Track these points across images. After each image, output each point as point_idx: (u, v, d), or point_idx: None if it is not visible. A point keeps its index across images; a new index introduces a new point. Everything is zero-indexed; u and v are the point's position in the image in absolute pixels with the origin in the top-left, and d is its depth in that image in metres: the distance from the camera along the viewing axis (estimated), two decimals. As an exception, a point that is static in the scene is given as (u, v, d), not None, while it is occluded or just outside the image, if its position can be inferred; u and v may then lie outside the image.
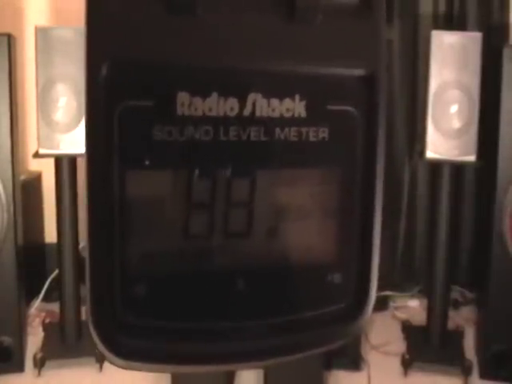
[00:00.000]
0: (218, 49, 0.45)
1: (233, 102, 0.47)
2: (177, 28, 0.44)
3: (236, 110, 0.47)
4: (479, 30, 2.38)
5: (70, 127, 1.98)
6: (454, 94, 2.00)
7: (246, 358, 0.48)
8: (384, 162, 0.51)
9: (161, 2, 0.44)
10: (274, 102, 0.47)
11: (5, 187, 1.96)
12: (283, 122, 0.48)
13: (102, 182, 0.45)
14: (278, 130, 0.48)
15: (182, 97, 0.45)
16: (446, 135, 2.01)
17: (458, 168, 2.17)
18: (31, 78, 2.09)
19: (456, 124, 2.01)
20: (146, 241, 0.46)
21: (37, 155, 1.98)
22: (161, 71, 0.45)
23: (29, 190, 2.44)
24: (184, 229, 0.48)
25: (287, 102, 0.48)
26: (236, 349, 0.48)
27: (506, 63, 1.96)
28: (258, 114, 0.47)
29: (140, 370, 0.48)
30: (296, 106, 0.48)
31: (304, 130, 0.49)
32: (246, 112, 0.47)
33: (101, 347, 0.46)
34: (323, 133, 0.49)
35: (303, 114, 0.48)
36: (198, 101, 0.46)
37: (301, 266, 0.50)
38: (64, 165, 2.03)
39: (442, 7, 2.56)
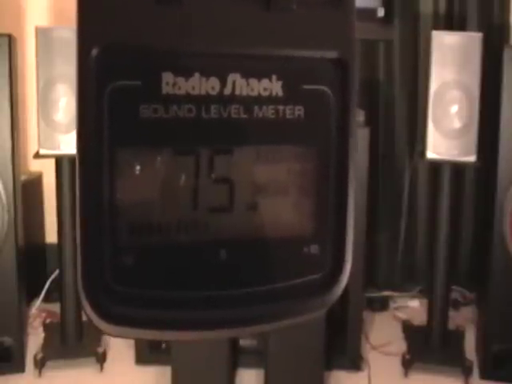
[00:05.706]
0: (200, 34, 0.48)
1: (214, 82, 0.50)
2: (162, 15, 0.47)
3: (217, 90, 0.50)
4: (479, 30, 2.38)
5: (70, 127, 1.98)
6: (454, 94, 2.00)
7: (228, 325, 0.52)
8: (356, 138, 0.54)
9: None
10: (253, 81, 0.51)
11: (5, 187, 1.96)
12: (261, 100, 0.51)
13: (92, 158, 0.49)
14: (256, 108, 0.51)
15: (167, 77, 0.48)
16: (447, 135, 2.01)
17: (458, 168, 2.17)
18: (32, 78, 2.09)
19: (456, 124, 2.01)
20: (133, 214, 0.49)
21: (37, 156, 1.98)
22: (147, 54, 0.48)
23: (29, 190, 2.44)
24: (169, 203, 0.50)
25: (265, 81, 0.51)
26: (218, 316, 0.51)
27: (506, 63, 1.96)
28: (237, 92, 0.50)
29: (127, 337, 0.51)
30: (273, 86, 0.51)
31: (281, 108, 0.52)
32: (227, 91, 0.50)
33: (91, 314, 0.48)
34: (299, 111, 0.53)
35: (280, 93, 0.52)
36: (181, 80, 0.49)
37: (280, 237, 0.53)
38: (64, 165, 2.03)
39: (442, 7, 2.56)
